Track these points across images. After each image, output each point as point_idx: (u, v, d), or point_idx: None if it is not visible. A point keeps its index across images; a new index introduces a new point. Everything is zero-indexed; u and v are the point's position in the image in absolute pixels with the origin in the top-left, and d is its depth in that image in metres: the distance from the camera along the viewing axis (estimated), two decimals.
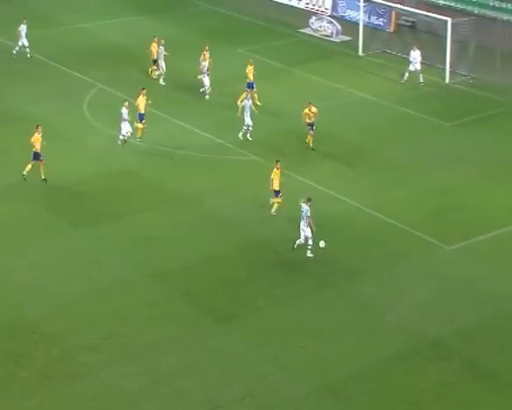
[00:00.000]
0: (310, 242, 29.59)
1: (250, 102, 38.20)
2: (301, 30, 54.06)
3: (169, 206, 33.30)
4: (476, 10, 50.72)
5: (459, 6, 51.54)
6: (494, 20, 48.59)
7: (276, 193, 32.19)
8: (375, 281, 28.73)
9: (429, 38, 47.56)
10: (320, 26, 53.75)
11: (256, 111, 38.75)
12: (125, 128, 37.54)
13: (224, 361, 25.08)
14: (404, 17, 53.17)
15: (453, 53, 45.22)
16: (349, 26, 52.95)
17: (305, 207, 29.66)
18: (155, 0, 60.33)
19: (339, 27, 52.89)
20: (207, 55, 43.77)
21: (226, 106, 41.81)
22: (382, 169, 36.18)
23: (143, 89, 38.64)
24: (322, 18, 54.32)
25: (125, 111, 37.43)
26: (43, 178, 34.49)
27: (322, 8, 56.88)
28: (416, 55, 45.12)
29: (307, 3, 58.04)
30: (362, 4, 50.70)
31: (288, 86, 42.10)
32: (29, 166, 34.46)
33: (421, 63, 45.03)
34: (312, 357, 25.24)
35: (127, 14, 57.07)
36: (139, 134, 38.20)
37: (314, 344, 25.77)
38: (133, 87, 43.01)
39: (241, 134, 38.40)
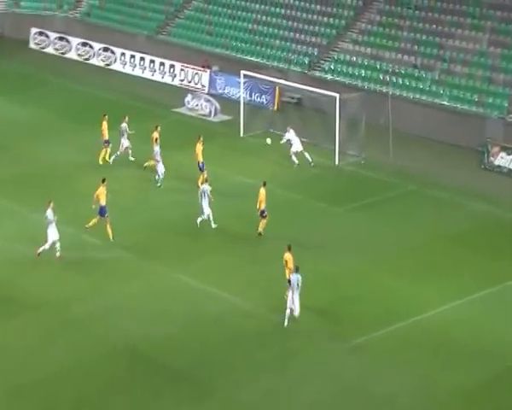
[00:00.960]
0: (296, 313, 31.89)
1: (208, 186, 38.74)
2: (176, 109, 54.77)
3: (29, 313, 32.84)
4: (366, 85, 52.64)
5: (347, 80, 53.34)
6: (384, 95, 49.44)
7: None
8: (261, 385, 28.86)
9: (317, 115, 48.80)
10: (197, 105, 54.62)
11: (212, 199, 38.96)
12: (52, 235, 35.77)
13: None
14: (288, 94, 54.62)
15: (342, 132, 46.23)
16: (229, 104, 53.85)
17: (297, 276, 31.67)
18: (9, 79, 60.02)
19: (217, 106, 53.84)
20: (158, 139, 43.70)
21: (87, 196, 41.70)
22: (265, 261, 36.59)
23: (104, 180, 38.21)
24: (198, 96, 55.23)
25: (49, 213, 35.70)
26: None
27: (198, 85, 57.95)
28: (290, 136, 45.90)
29: (182, 80, 59.05)
30: (242, 80, 51.82)
31: (166, 175, 42.56)
32: None
33: (307, 143, 45.98)
34: None
35: None
36: (109, 233, 37.44)
37: None
38: None
39: (199, 220, 38.66)
